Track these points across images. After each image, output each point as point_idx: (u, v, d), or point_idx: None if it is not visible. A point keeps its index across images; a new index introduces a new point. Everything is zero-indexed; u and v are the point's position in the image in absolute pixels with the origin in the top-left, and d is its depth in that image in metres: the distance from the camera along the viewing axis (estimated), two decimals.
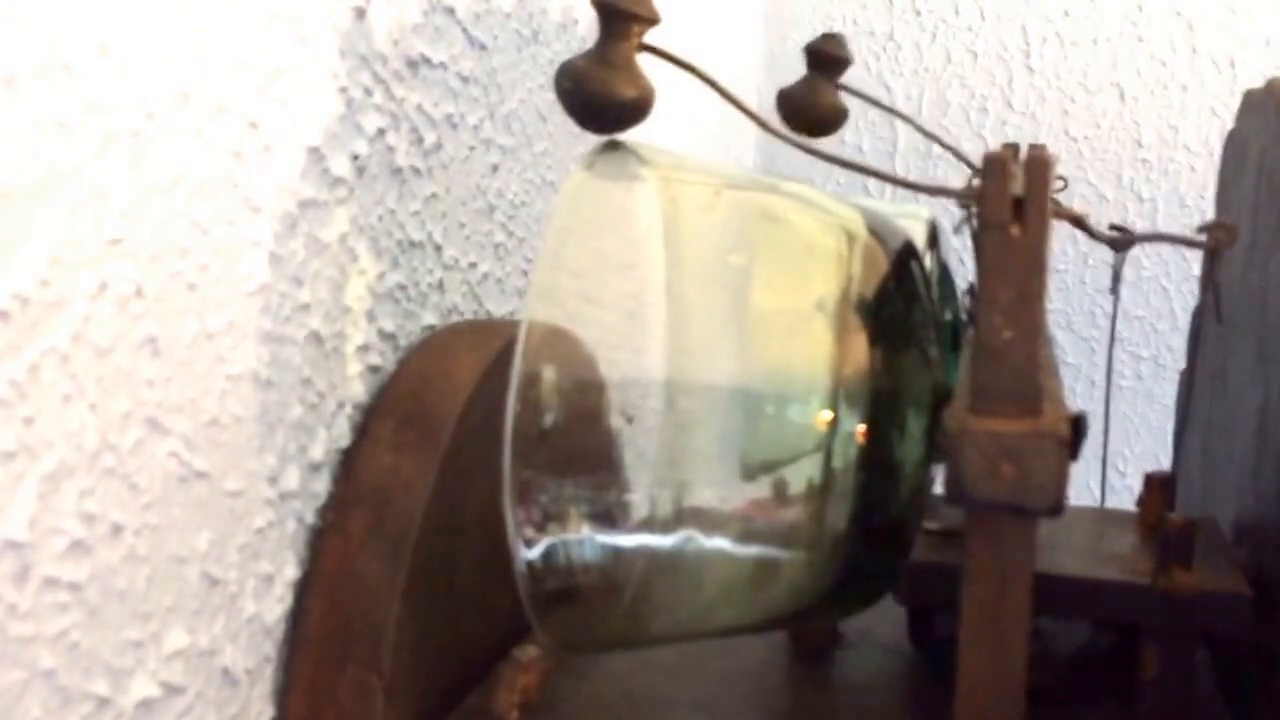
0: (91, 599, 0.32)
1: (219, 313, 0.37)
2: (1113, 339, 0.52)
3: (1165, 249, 1.03)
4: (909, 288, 0.41)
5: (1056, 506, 0.33)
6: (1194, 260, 1.02)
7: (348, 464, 0.43)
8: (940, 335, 0.42)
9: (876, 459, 0.39)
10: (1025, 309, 0.34)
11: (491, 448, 0.40)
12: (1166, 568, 0.43)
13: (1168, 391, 1.04)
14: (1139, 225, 1.03)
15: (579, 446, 0.41)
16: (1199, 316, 0.64)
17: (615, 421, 0.39)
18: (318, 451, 0.42)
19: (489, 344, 0.47)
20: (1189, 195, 1.03)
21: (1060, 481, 0.33)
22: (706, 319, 0.39)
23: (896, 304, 0.41)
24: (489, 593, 0.47)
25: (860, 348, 0.39)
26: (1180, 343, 1.02)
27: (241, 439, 0.38)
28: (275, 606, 0.41)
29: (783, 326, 0.40)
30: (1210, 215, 0.76)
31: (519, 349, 0.37)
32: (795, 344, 0.40)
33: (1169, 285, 1.04)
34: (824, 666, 0.48)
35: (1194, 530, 0.44)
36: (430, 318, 0.50)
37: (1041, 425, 0.33)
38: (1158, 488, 0.50)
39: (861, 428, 0.39)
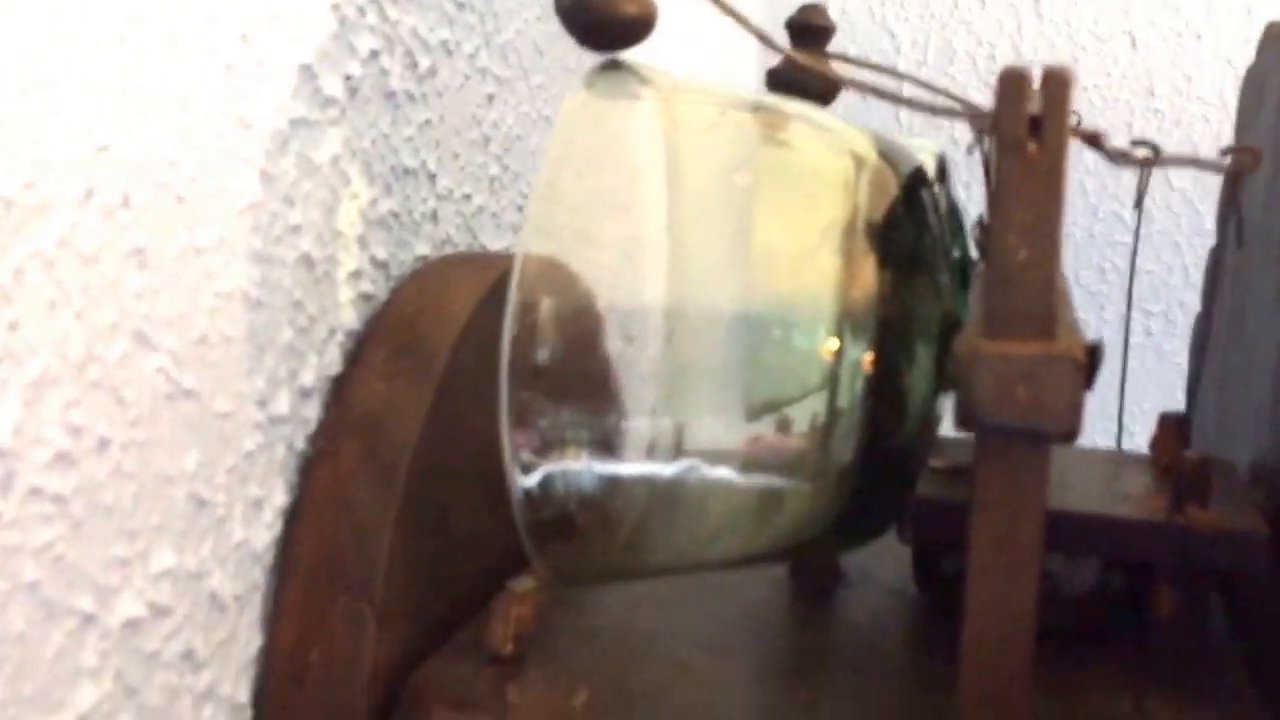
0: (77, 512, 0.31)
1: (208, 228, 0.36)
2: (1133, 266, 0.50)
3: (1178, 204, 1.01)
4: (919, 213, 0.40)
5: (1071, 431, 0.32)
6: (1207, 214, 1.01)
7: (339, 391, 0.42)
8: (950, 265, 0.41)
9: (884, 388, 0.38)
10: (1042, 230, 0.33)
11: (486, 379, 0.39)
12: (1182, 505, 0.42)
13: (1179, 348, 1.03)
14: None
15: (577, 375, 0.40)
16: (1216, 258, 0.62)
17: (616, 345, 0.38)
18: (308, 377, 0.41)
19: (484, 275, 0.46)
20: (1202, 146, 1.02)
21: (1075, 406, 0.31)
22: (709, 244, 0.38)
23: (906, 229, 0.40)
24: (483, 525, 0.46)
25: (868, 273, 0.38)
26: (1192, 298, 1.01)
27: (230, 359, 0.37)
28: (264, 533, 0.40)
29: (788, 251, 0.39)
30: None
31: (515, 278, 0.36)
32: (801, 269, 0.39)
33: (1180, 239, 1.03)
34: (826, 605, 0.47)
35: (1210, 468, 0.43)
36: (423, 248, 0.49)
37: (1056, 348, 0.32)
38: (1172, 428, 0.49)
39: (869, 356, 0.38)
